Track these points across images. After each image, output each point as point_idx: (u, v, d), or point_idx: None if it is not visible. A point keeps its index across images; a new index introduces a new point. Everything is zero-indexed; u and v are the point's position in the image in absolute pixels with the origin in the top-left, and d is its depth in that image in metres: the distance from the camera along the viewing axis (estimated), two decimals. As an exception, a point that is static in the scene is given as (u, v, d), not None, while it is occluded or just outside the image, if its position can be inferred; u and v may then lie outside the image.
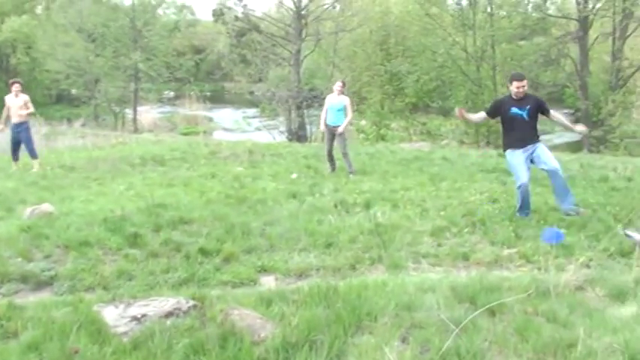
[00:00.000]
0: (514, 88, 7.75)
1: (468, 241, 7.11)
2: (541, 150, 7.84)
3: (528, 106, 7.75)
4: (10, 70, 40.26)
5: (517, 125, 7.85)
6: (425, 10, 26.70)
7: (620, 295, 4.98)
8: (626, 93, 22.72)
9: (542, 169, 7.99)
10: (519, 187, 7.84)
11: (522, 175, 7.79)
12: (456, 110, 8.37)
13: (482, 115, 8.42)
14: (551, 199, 8.37)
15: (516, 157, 7.88)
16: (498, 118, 8.27)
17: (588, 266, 6.08)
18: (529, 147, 7.84)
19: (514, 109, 7.79)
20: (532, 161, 7.89)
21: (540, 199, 8.68)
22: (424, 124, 28.48)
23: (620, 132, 21.87)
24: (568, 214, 7.71)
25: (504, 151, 8.16)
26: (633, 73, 23.14)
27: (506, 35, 25.01)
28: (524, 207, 7.93)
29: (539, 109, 7.84)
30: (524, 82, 7.75)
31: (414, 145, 18.79)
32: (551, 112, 7.94)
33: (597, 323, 4.32)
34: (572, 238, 7.09)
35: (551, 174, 7.77)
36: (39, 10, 47.70)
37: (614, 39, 23.23)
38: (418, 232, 7.39)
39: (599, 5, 23.02)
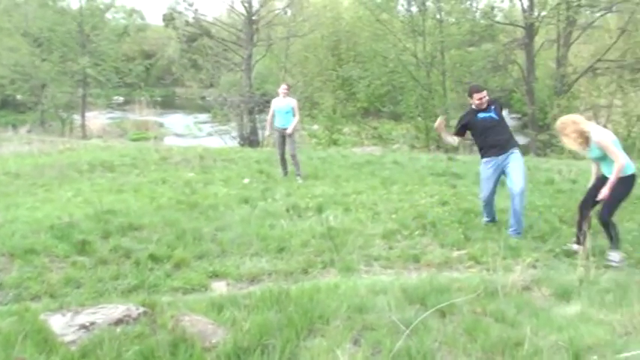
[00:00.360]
0: (475, 100, 7.62)
1: (418, 244, 7.21)
2: (513, 165, 7.59)
3: (493, 107, 7.67)
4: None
5: (489, 129, 7.67)
6: (375, 16, 26.90)
7: (565, 295, 5.12)
8: (570, 98, 23.29)
9: (508, 186, 7.77)
10: (481, 198, 8.04)
11: (485, 190, 7.84)
12: (438, 120, 7.97)
13: (454, 138, 8.03)
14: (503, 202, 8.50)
15: (485, 171, 7.79)
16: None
17: (535, 267, 6.23)
18: (502, 156, 7.64)
19: (481, 114, 7.66)
20: (504, 172, 7.73)
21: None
22: (375, 128, 28.70)
23: (565, 136, 22.40)
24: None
25: (481, 158, 7.95)
26: (577, 78, 23.76)
27: (456, 41, 25.39)
28: (487, 216, 8.06)
29: (500, 108, 7.73)
30: (484, 93, 7.62)
31: (366, 150, 18.91)
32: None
33: (543, 322, 4.42)
34: (519, 240, 7.26)
35: (513, 196, 7.55)
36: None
37: (558, 46, 23.80)
38: (370, 235, 7.46)
39: (544, 13, 23.56)
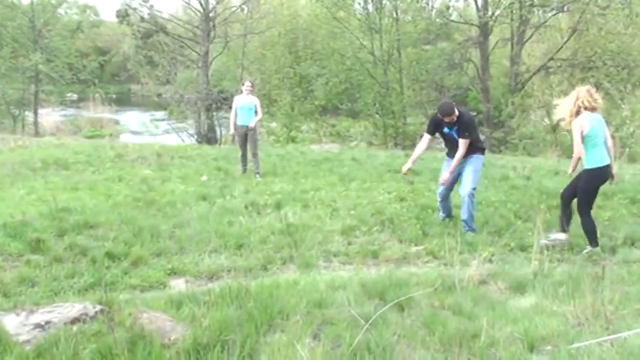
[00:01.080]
0: (445, 120, 7.68)
1: (377, 239, 7.28)
2: (467, 169, 7.76)
3: (456, 127, 7.71)
4: None
5: (450, 142, 7.92)
6: (332, 14, 26.94)
7: (520, 288, 5.23)
8: (524, 96, 23.68)
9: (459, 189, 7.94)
10: (437, 192, 8.19)
11: (441, 185, 8.01)
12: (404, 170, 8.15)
13: (425, 139, 8.12)
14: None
15: (444, 168, 8.02)
16: None
17: (491, 261, 6.35)
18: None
19: (446, 129, 7.81)
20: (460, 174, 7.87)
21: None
22: (334, 126, 28.75)
23: (519, 133, 22.84)
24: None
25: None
26: (530, 77, 24.17)
27: (412, 39, 25.59)
28: (443, 211, 8.18)
29: (459, 131, 7.70)
30: (453, 116, 7.59)
31: (324, 147, 18.98)
32: (461, 142, 7.68)
33: (499, 314, 4.52)
34: (475, 235, 7.38)
35: (462, 197, 7.73)
36: None
37: (512, 44, 24.16)
38: (329, 231, 7.50)
39: (498, 12, 23.90)
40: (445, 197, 8.08)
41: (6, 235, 6.57)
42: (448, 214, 8.20)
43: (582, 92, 6.89)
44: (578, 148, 6.70)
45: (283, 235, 7.12)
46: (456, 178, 7.94)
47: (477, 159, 7.84)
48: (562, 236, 7.03)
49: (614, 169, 7.02)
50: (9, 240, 6.42)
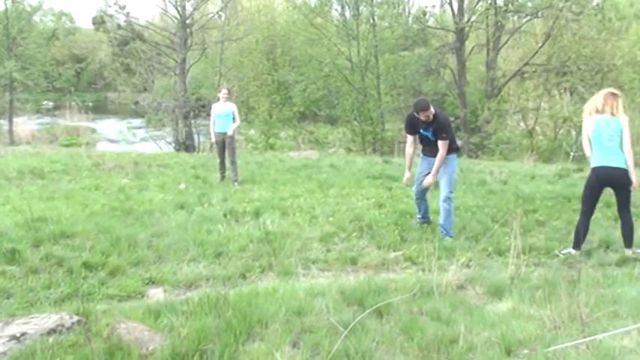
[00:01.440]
0: (421, 117, 7.61)
1: (356, 246, 7.30)
2: (441, 175, 7.77)
3: (431, 129, 7.69)
4: None
5: (425, 142, 7.93)
6: (310, 21, 27.05)
7: (497, 292, 5.28)
8: (500, 101, 23.91)
9: None
10: (412, 190, 8.26)
11: (415, 184, 8.08)
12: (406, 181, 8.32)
13: (409, 140, 8.10)
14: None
15: (420, 166, 8.06)
16: None
17: (469, 266, 6.40)
18: (433, 159, 7.75)
19: (422, 131, 7.79)
20: None
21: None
22: (312, 132, 28.78)
23: (495, 138, 23.06)
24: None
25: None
26: (506, 82, 24.40)
27: (389, 46, 25.73)
28: (419, 213, 8.25)
29: (437, 133, 7.68)
30: (428, 112, 7.55)
31: (303, 154, 18.99)
32: (440, 143, 7.65)
33: (477, 319, 4.55)
34: (453, 240, 7.44)
35: (440, 202, 7.81)
36: None
37: (488, 50, 24.39)
38: (307, 238, 7.50)
39: (473, 18, 24.12)
40: (421, 196, 8.12)
41: (-20, 246, 6.48)
42: (425, 215, 8.24)
43: (598, 94, 7.08)
44: (584, 148, 7.06)
45: (262, 243, 7.11)
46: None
47: (451, 160, 7.87)
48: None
49: (633, 176, 6.82)
50: (-17, 251, 6.34)
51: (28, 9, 36.91)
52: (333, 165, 14.28)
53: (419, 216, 8.27)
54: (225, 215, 8.59)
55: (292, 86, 27.68)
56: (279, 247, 6.94)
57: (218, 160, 11.93)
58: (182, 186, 11.27)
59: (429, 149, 7.87)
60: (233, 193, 10.40)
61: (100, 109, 44.61)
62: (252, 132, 27.50)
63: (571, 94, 23.63)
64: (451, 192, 7.80)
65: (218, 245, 7.02)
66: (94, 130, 35.90)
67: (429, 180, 7.80)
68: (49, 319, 4.24)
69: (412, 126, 7.94)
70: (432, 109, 7.65)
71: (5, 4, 33.94)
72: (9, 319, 4.31)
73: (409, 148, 8.13)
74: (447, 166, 7.79)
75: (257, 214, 8.69)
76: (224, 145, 11.66)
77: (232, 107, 11.73)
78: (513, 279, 5.57)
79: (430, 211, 8.35)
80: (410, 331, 4.29)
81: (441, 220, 7.76)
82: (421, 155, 8.16)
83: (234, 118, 11.65)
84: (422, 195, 8.12)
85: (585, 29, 22.23)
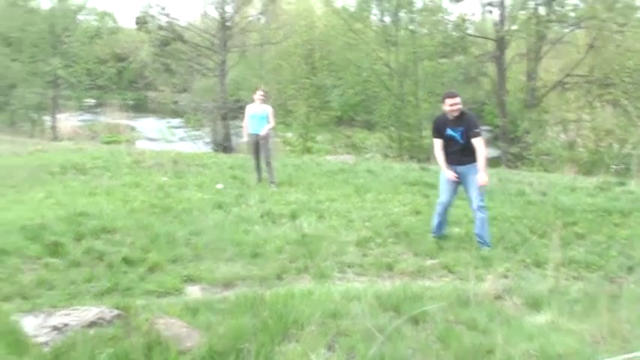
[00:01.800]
0: (447, 106, 7.41)
1: (392, 252, 7.28)
2: (470, 182, 7.48)
3: (462, 128, 7.43)
4: None
5: (451, 145, 7.55)
6: (349, 26, 27.08)
7: (535, 304, 5.21)
8: (540, 112, 23.64)
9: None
10: (438, 204, 7.83)
11: (443, 194, 7.73)
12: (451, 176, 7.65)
13: (438, 144, 7.69)
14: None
15: (443, 175, 7.67)
16: None
17: (506, 276, 6.32)
18: (461, 167, 7.50)
19: (449, 131, 7.50)
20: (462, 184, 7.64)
21: (460, 212, 8.93)
22: (349, 137, 28.80)
23: (535, 149, 22.76)
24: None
25: None
26: (547, 92, 24.10)
27: (428, 52, 25.58)
28: (437, 226, 7.85)
29: (469, 131, 7.41)
30: (457, 100, 7.37)
31: (339, 158, 18.96)
32: (475, 141, 7.39)
33: (515, 330, 4.50)
34: (491, 250, 7.36)
35: (474, 212, 7.59)
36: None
37: (528, 60, 24.16)
38: (344, 242, 7.50)
39: (514, 27, 23.90)
40: (444, 211, 7.77)
41: (25, 238, 6.64)
42: (440, 230, 7.89)
43: None
44: None
45: (298, 245, 7.14)
46: (455, 190, 7.74)
47: (473, 175, 7.48)
48: None
49: None
50: (28, 243, 6.50)
51: (73, 8, 37.67)
52: (369, 170, 14.25)
53: (436, 230, 7.88)
54: (262, 216, 8.65)
55: (330, 90, 27.73)
56: (315, 249, 6.95)
57: (253, 162, 11.98)
58: (220, 186, 11.36)
59: (455, 157, 7.53)
60: (270, 195, 10.45)
61: (139, 108, 45.27)
62: (289, 135, 27.61)
63: (614, 107, 23.21)
64: (482, 199, 7.59)
65: (255, 246, 7.07)
66: (133, 128, 36.47)
67: (483, 178, 7.39)
68: (89, 312, 4.33)
69: (440, 128, 7.62)
70: (460, 100, 7.42)
71: (51, 3, 34.71)
72: (52, 310, 4.41)
73: (439, 152, 7.71)
74: (474, 173, 7.45)
75: (294, 216, 8.73)
76: (258, 146, 11.72)
77: (268, 109, 11.77)
78: (552, 291, 5.49)
79: (449, 223, 8.13)
80: (446, 339, 4.27)
81: (476, 229, 7.61)
82: (448, 166, 7.65)
83: (268, 120, 11.68)
84: (445, 209, 7.76)
85: (630, 41, 21.84)
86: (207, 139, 28.08)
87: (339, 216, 8.88)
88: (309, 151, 25.47)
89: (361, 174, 13.53)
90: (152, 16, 29.55)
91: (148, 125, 36.55)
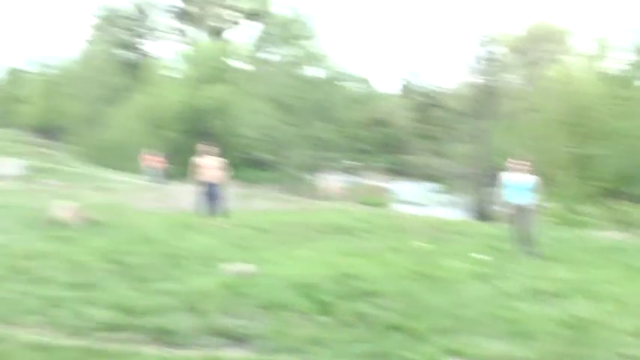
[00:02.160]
0: None
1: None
2: None
3: None
4: (206, 133, 43.25)
5: None
6: (613, 92, 25.38)
7: None
8: None
9: None
10: None
11: None
12: None
13: None
14: None
15: None
16: None
17: None
18: None
19: None
20: None
21: None
22: (622, 211, 26.53)
23: None
24: None
25: None
26: None
27: None
28: None
29: None
30: None
31: (609, 234, 17.55)
32: None
33: None
34: None
35: None
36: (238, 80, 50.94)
37: None
38: (619, 330, 6.82)
39: None
40: None
41: (297, 295, 7.09)
42: None
43: None
44: None
45: (567, 327, 6.65)
46: None
47: None
48: None
49: None
50: (300, 299, 6.92)
51: (337, 75, 40.33)
52: (644, 250, 12.95)
53: None
54: (524, 292, 8.24)
55: (596, 160, 26.02)
56: (586, 336, 6.42)
57: (515, 233, 11.58)
58: (478, 255, 11.12)
59: None
60: (532, 269, 9.96)
61: (395, 171, 46.55)
62: (550, 205, 26.32)
63: None
64: None
65: (518, 323, 6.73)
66: (389, 191, 37.55)
67: None
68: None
69: None
70: None
71: (317, 71, 37.54)
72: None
73: None
74: None
75: (559, 294, 8.19)
76: (519, 216, 11.31)
77: (531, 179, 11.37)
78: None
79: None
80: None
81: None
82: None
83: (533, 191, 11.25)
84: None
85: None
86: (466, 206, 27.86)
87: (612, 299, 8.13)
88: (572, 223, 23.96)
89: (636, 254, 12.34)
90: (415, 85, 30.53)
91: (403, 188, 37.41)
